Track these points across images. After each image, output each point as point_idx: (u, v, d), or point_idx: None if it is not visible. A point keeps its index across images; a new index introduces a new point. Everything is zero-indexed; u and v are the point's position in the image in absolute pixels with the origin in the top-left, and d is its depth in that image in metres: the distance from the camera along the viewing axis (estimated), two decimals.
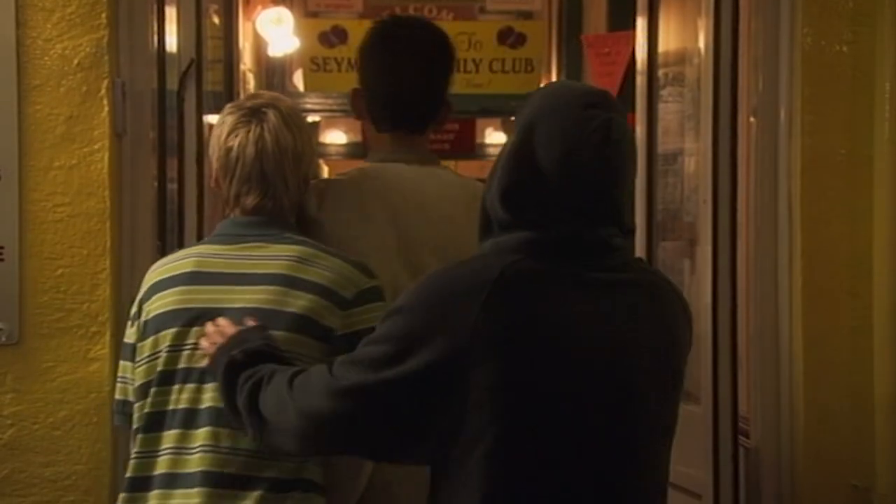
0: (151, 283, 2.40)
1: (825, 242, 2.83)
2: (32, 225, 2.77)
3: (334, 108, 6.12)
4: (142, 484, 2.34)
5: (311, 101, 6.11)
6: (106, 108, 2.78)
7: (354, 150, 8.88)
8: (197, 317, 2.31)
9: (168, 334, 2.33)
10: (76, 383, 2.77)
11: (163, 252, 3.10)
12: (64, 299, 2.78)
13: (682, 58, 3.62)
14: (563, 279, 2.00)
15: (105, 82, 2.77)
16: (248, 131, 2.36)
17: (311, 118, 7.62)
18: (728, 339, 2.96)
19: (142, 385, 2.36)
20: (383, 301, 2.32)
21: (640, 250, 3.68)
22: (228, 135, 2.38)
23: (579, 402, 1.97)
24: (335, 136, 8.94)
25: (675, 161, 3.69)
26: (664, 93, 3.74)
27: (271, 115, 2.38)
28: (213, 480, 2.28)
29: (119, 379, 2.44)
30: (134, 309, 2.41)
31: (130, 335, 2.41)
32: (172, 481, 2.30)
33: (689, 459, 3.20)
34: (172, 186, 3.17)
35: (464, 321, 1.94)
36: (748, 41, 3.04)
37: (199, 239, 3.16)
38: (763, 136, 2.95)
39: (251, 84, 5.53)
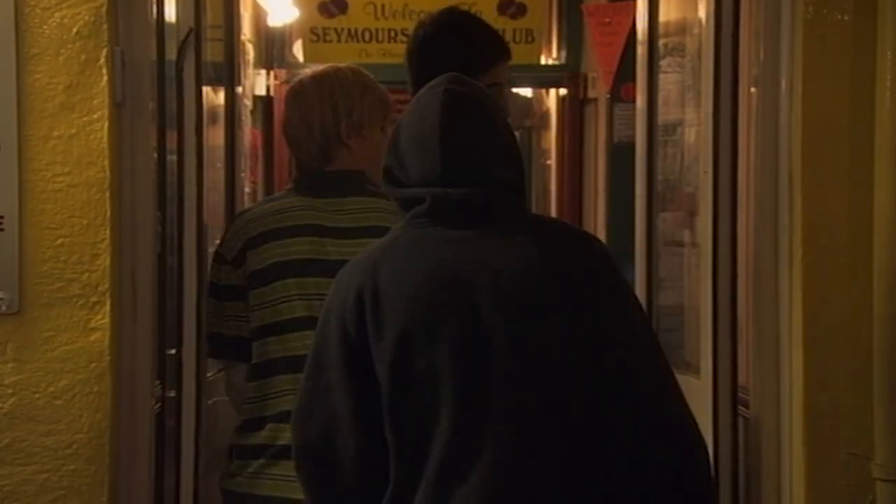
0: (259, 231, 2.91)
1: (826, 212, 2.83)
2: (32, 195, 2.77)
3: None
4: (257, 423, 2.88)
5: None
6: (105, 78, 2.77)
7: None
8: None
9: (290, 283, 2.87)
10: (77, 353, 2.78)
11: (163, 223, 3.10)
12: (64, 269, 2.78)
13: (682, 28, 3.61)
14: (426, 238, 2.24)
15: (104, 51, 2.76)
16: None
17: None
18: (728, 309, 2.97)
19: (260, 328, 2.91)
20: None
21: (639, 221, 3.68)
22: None
23: (443, 344, 2.17)
24: None
25: (675, 132, 3.68)
26: (664, 63, 3.73)
27: None
28: None
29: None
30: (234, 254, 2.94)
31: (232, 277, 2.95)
32: (287, 417, 2.47)
33: None
34: (172, 158, 3.16)
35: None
36: (749, 11, 3.03)
37: (199, 211, 3.16)
38: (764, 106, 2.94)
39: (251, 54, 5.52)
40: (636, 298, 2.31)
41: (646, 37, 3.74)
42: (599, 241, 2.38)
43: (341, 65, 3.18)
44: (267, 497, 2.86)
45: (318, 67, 3.16)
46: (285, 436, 2.67)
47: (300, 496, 2.34)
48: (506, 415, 2.15)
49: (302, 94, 3.06)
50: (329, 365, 2.24)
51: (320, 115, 3.01)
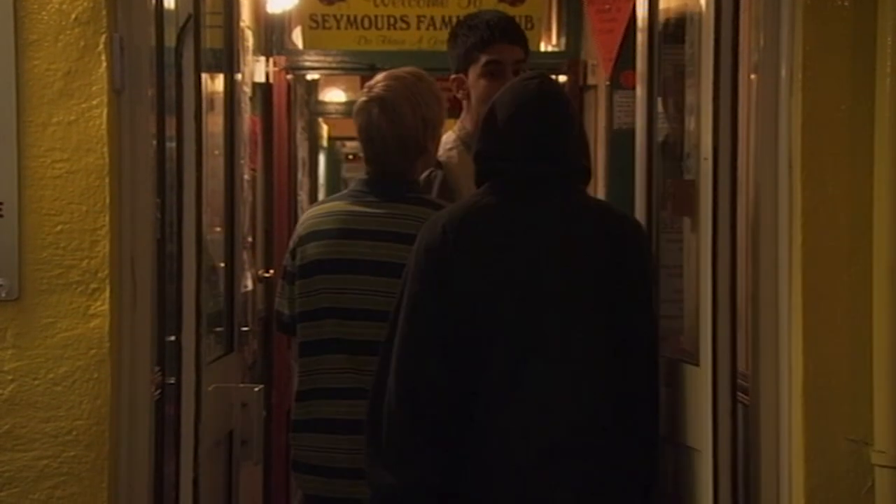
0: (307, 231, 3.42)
1: (825, 199, 2.83)
2: (31, 181, 2.77)
3: (333, 65, 6.10)
4: (308, 394, 3.40)
5: (309, 59, 6.07)
6: (104, 64, 2.77)
7: (352, 109, 8.85)
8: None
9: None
10: (76, 339, 2.78)
11: (162, 210, 3.10)
12: (63, 255, 2.78)
13: (682, 14, 3.60)
14: (508, 208, 2.87)
15: (103, 37, 2.76)
16: None
17: (309, 76, 7.59)
18: (727, 295, 2.96)
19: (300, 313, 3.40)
20: None
21: (639, 209, 3.68)
22: None
23: (509, 301, 2.81)
24: (334, 95, 8.90)
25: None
26: (665, 50, 3.72)
27: None
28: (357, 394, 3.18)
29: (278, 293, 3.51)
30: (293, 246, 3.46)
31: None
32: (332, 393, 3.32)
33: (689, 415, 3.21)
34: (171, 145, 3.16)
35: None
36: None
37: (199, 198, 3.16)
38: (764, 92, 2.94)
39: (250, 41, 5.51)
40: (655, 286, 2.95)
41: (646, 24, 3.73)
42: (643, 230, 3.08)
43: (409, 70, 3.56)
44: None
45: (394, 73, 3.52)
46: (318, 409, 3.36)
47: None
48: (550, 353, 2.81)
49: (391, 103, 3.40)
50: (418, 296, 2.86)
51: (413, 129, 3.39)
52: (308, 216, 3.50)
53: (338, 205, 3.45)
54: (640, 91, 3.71)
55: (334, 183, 10.94)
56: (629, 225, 2.99)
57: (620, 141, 5.19)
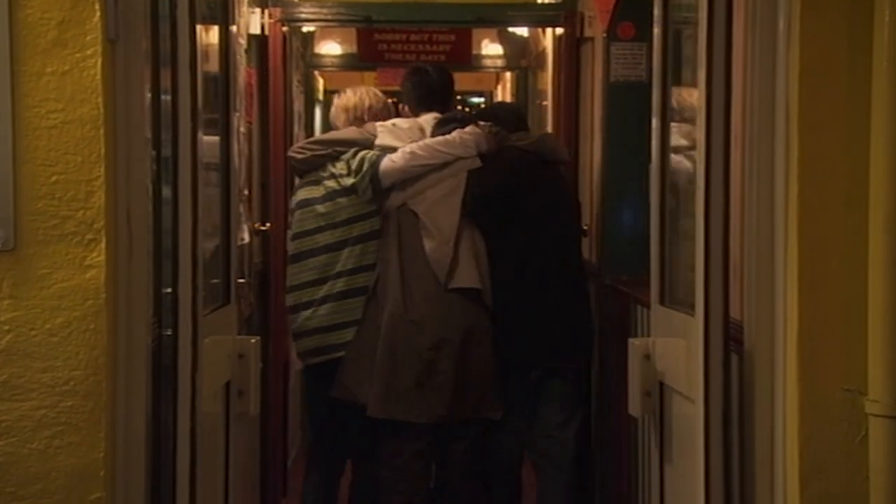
0: None
1: (822, 150, 2.83)
2: (26, 131, 2.76)
3: (329, 17, 6.06)
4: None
5: (305, 11, 6.04)
6: (98, 13, 2.75)
7: (349, 62, 8.81)
8: None
9: None
10: (73, 290, 2.78)
11: (158, 162, 3.09)
12: (59, 206, 2.78)
13: None
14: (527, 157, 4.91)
15: None
16: None
17: (305, 28, 7.55)
18: (720, 245, 2.97)
19: None
20: None
21: (655, 162, 3.67)
22: None
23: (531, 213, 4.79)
24: (330, 48, 8.86)
25: None
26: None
27: None
28: None
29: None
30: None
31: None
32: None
33: (684, 365, 3.22)
34: (166, 98, 3.14)
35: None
36: None
37: (194, 149, 3.15)
38: (761, 43, 2.93)
39: None
40: None
41: None
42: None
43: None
44: None
45: None
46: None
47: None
48: (544, 250, 4.76)
49: None
50: None
51: None
52: None
53: None
54: (657, 39, 3.66)
55: None
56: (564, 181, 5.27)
57: (617, 93, 5.17)
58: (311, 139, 5.08)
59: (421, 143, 4.67)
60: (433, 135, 4.76)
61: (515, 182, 4.67)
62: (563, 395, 4.70)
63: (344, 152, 4.73)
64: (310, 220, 4.72)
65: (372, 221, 4.70)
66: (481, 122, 4.84)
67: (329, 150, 4.74)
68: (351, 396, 4.65)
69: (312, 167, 4.76)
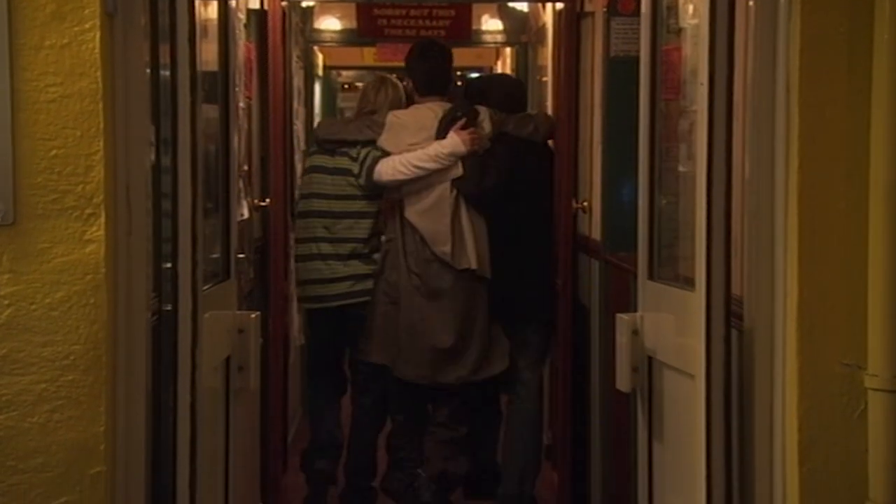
0: None
1: (822, 124, 2.82)
2: (25, 105, 2.76)
3: None
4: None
5: None
6: None
7: (348, 37, 8.79)
8: None
9: None
10: (72, 264, 2.78)
11: (157, 137, 3.08)
12: (58, 181, 2.78)
13: None
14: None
15: None
16: None
17: (304, 3, 7.52)
18: (722, 221, 2.97)
19: None
20: None
21: (642, 141, 3.67)
22: None
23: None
24: (329, 23, 8.83)
25: None
26: None
27: None
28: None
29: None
30: None
31: None
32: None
33: (685, 341, 3.23)
34: (165, 73, 3.13)
35: None
36: None
37: (193, 124, 3.15)
38: (762, 17, 2.92)
39: None
40: None
41: None
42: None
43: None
44: None
45: None
46: None
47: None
48: (520, 214, 5.49)
49: None
50: None
51: None
52: None
53: None
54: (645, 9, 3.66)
55: (330, 112, 10.88)
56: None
57: (618, 69, 5.15)
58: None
59: (404, 159, 5.34)
60: (437, 134, 5.36)
61: (507, 178, 5.41)
62: (531, 343, 5.62)
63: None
64: (316, 184, 5.50)
65: (369, 202, 5.46)
66: (480, 108, 5.47)
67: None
68: (379, 359, 5.42)
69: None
